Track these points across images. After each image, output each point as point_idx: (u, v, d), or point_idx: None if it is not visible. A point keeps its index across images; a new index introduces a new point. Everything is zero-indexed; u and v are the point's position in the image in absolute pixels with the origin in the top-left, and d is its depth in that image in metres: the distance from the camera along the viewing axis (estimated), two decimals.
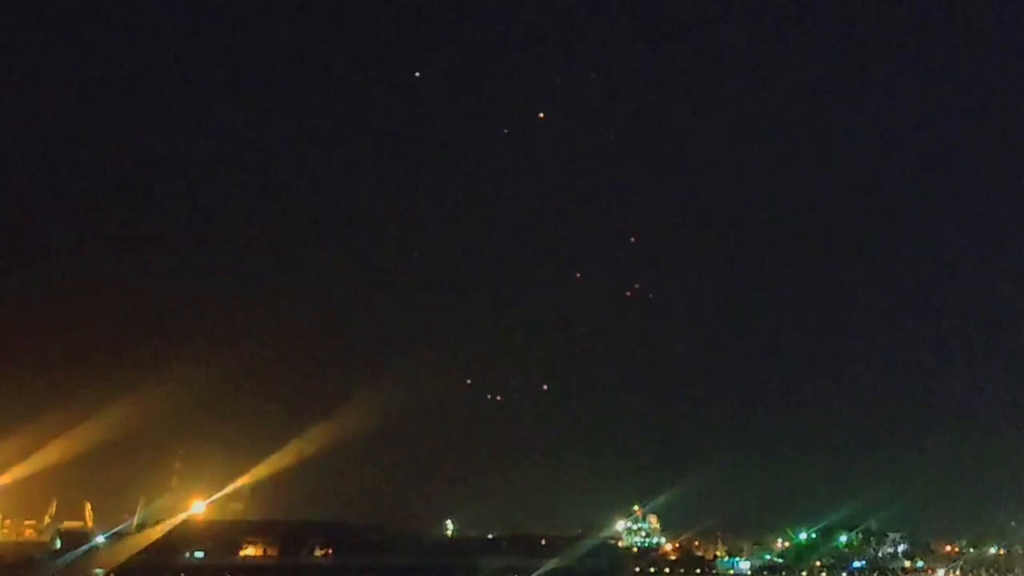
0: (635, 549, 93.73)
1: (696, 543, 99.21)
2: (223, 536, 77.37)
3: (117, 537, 74.09)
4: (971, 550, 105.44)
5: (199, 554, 75.89)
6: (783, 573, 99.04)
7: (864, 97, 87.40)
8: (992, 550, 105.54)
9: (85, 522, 78.12)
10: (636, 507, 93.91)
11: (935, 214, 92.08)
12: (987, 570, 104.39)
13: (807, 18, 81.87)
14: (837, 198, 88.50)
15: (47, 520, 77.12)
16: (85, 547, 73.32)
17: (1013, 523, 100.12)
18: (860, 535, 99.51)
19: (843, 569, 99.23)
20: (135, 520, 74.52)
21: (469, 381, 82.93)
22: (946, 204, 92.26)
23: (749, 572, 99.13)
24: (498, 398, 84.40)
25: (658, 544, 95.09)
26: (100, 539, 73.98)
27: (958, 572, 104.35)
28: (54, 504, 76.98)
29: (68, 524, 77.69)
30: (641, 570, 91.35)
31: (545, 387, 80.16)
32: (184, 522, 74.96)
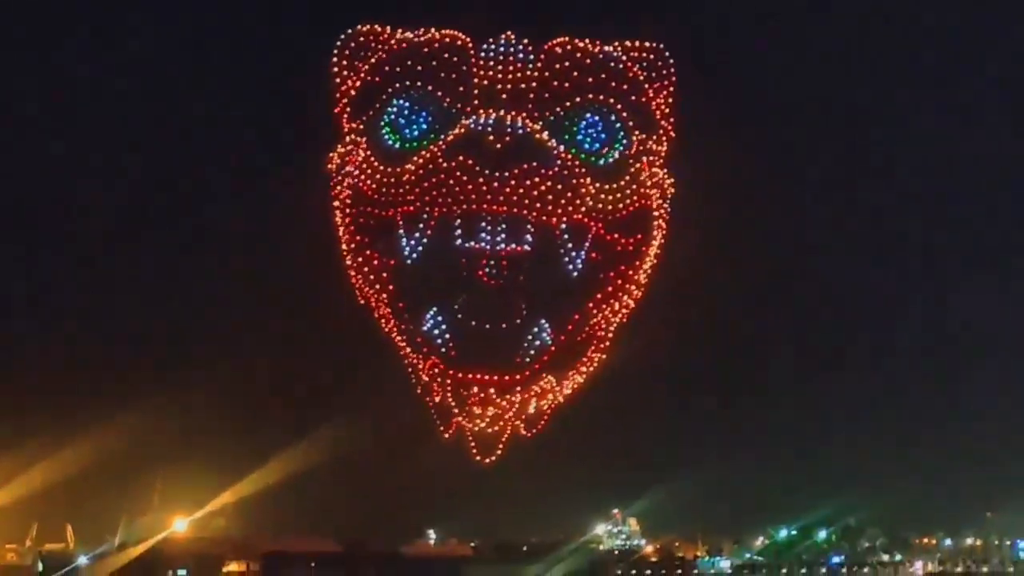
0: (616, 552, 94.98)
1: (677, 544, 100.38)
2: (206, 553, 77.71)
3: (99, 557, 74.13)
4: (948, 542, 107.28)
5: (182, 572, 76.10)
6: (763, 571, 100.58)
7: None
8: (968, 541, 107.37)
9: (67, 544, 78.23)
10: (615, 511, 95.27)
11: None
12: (963, 560, 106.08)
13: None
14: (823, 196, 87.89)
15: (28, 543, 77.20)
16: (67, 569, 73.42)
17: (989, 514, 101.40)
18: (838, 531, 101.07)
19: (822, 565, 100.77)
20: (117, 540, 74.65)
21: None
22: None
23: (730, 570, 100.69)
24: None
25: (639, 546, 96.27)
26: (82, 560, 74.02)
27: (935, 563, 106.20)
28: (35, 527, 76.92)
29: (50, 546, 77.77)
30: (622, 573, 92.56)
31: None
32: (166, 540, 75.02)
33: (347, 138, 45.59)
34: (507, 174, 42.72)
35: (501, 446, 49.01)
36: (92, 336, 77.97)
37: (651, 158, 44.69)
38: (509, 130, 42.55)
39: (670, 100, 45.52)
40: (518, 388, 46.88)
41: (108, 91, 74.61)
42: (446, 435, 49.20)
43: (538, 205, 42.14)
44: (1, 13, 71.46)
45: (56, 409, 69.28)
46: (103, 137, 74.53)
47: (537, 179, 43.13)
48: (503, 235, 42.31)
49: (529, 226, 41.76)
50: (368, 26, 46.34)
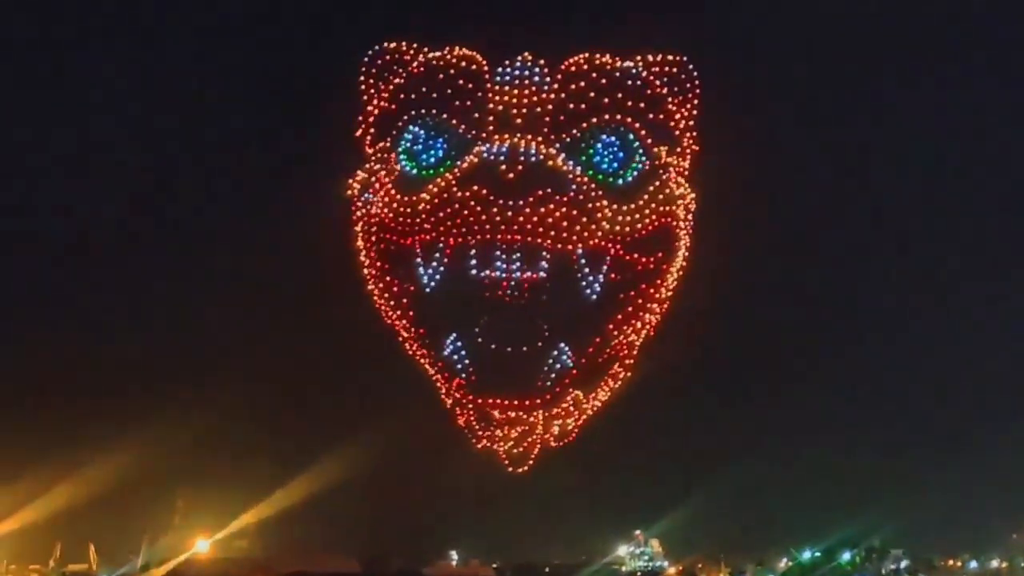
0: (639, 573, 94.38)
1: (699, 565, 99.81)
2: (228, 573, 77.64)
3: None
4: (973, 564, 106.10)
5: None
6: None
7: None
8: (994, 563, 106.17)
9: (90, 564, 78.49)
10: (638, 532, 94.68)
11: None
12: None
13: None
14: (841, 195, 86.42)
15: (52, 563, 77.58)
16: None
17: (1015, 536, 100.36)
18: (862, 553, 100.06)
19: None
20: (139, 560, 74.79)
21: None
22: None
23: None
24: None
25: (661, 568, 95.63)
26: None
27: None
28: (59, 547, 77.37)
29: (73, 567, 78.23)
30: None
31: None
32: (188, 560, 75.12)
33: (366, 164, 45.54)
34: (521, 202, 42.45)
35: (532, 459, 49.05)
36: (117, 355, 78.25)
37: (673, 172, 44.33)
38: (523, 157, 42.24)
39: (694, 113, 45.06)
40: (542, 410, 46.84)
41: (106, 95, 74.95)
42: (479, 446, 49.44)
43: (553, 232, 41.99)
44: (4, 12, 71.82)
45: (79, 429, 69.65)
46: (108, 145, 75.12)
47: (552, 206, 42.79)
48: (518, 263, 42.10)
49: (545, 253, 41.64)
50: (393, 43, 46.40)
